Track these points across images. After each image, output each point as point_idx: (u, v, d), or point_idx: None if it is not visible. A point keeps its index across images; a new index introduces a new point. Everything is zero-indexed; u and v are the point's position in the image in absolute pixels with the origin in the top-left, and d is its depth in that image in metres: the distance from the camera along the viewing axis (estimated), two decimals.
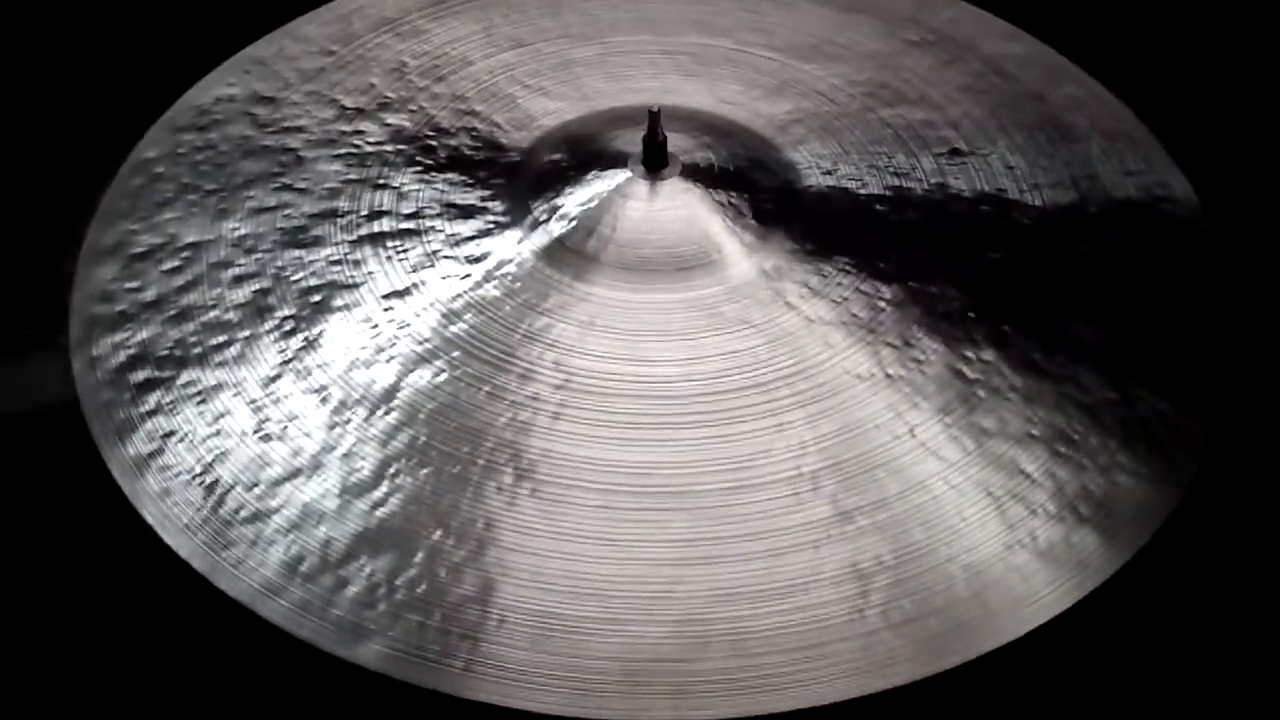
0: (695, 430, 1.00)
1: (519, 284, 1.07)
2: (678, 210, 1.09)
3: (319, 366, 1.04)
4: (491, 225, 1.10)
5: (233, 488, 0.99)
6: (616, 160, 1.11)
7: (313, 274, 1.08)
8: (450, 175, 1.12)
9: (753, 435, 1.00)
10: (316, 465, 1.00)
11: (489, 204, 1.11)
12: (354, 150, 1.14)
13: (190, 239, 1.10)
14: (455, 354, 1.04)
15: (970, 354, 1.04)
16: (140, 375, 1.04)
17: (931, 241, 1.09)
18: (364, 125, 1.16)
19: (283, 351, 1.04)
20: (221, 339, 1.05)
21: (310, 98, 1.18)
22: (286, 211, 1.11)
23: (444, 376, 1.03)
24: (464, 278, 1.07)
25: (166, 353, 1.05)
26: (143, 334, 1.06)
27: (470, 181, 1.12)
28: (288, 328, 1.05)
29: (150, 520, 0.98)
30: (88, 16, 1.38)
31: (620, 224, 1.09)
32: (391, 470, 0.99)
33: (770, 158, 1.13)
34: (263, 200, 1.12)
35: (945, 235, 1.10)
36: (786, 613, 0.95)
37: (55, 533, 1.07)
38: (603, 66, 1.20)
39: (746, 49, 1.20)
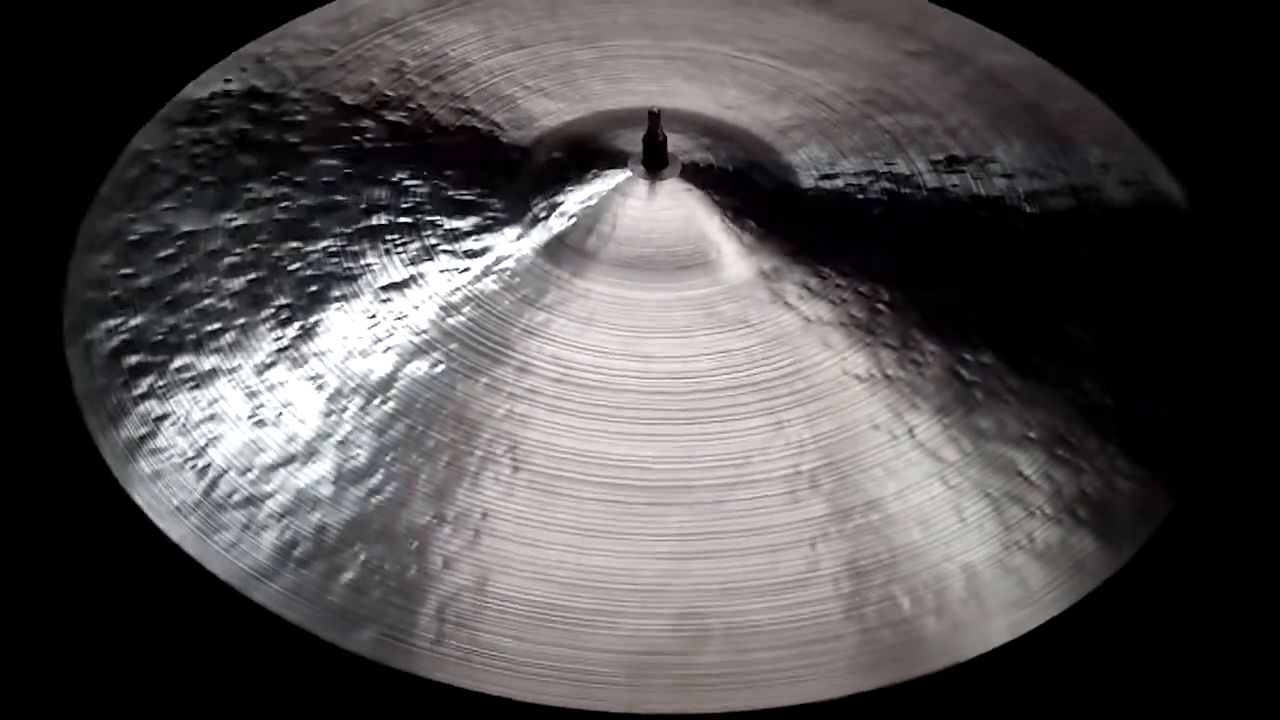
0: (693, 426, 1.00)
1: (518, 279, 1.06)
2: (677, 210, 1.09)
3: (315, 355, 1.03)
4: (491, 221, 1.09)
5: (226, 472, 0.98)
6: (617, 160, 1.11)
7: (310, 265, 1.07)
8: (449, 171, 1.12)
9: (751, 433, 1.00)
10: (311, 452, 0.99)
11: (488, 200, 1.10)
12: (352, 146, 1.14)
13: (186, 228, 1.10)
14: (453, 346, 1.03)
15: (969, 356, 1.04)
16: (133, 359, 1.03)
17: (931, 246, 1.10)
18: (363, 122, 1.16)
19: (279, 339, 1.04)
20: (216, 326, 1.04)
21: (309, 95, 1.18)
22: (284, 204, 1.11)
23: (441, 368, 1.02)
24: (462, 271, 1.07)
25: (160, 338, 1.04)
26: (137, 319, 1.05)
27: (469, 178, 1.12)
28: (284, 316, 1.05)
29: (141, 503, 0.97)
30: (87, 16, 1.38)
31: (620, 222, 1.08)
32: (388, 458, 0.98)
33: (769, 161, 1.13)
34: (260, 192, 1.11)
35: (944, 240, 1.10)
36: (784, 609, 0.94)
37: (47, 516, 1.06)
38: (602, 70, 1.20)
39: (746, 55, 1.21)
